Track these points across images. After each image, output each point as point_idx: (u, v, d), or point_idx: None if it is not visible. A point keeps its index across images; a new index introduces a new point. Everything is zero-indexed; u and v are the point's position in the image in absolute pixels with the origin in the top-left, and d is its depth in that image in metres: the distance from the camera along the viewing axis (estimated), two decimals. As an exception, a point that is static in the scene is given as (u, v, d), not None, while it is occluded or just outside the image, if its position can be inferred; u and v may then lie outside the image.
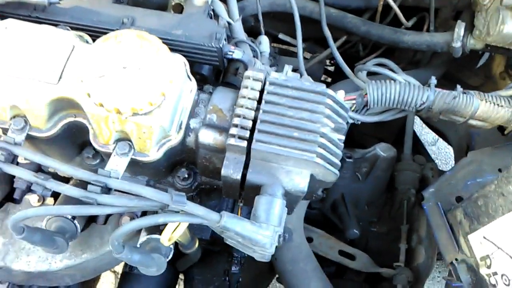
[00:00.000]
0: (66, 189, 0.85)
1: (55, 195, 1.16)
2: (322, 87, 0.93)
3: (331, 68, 2.20)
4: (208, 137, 0.92)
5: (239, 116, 0.88)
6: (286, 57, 1.80)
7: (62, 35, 0.92)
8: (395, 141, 1.83)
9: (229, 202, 1.31)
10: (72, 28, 1.00)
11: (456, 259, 1.13)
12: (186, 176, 1.03)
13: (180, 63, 0.90)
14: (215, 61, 1.04)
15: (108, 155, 0.92)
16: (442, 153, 2.89)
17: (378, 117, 1.14)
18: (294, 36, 1.85)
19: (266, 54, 1.20)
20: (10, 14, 1.02)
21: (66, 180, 1.07)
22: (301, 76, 1.00)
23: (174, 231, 0.88)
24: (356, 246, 1.54)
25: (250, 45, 1.15)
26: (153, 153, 0.92)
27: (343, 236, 1.53)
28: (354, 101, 1.12)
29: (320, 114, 0.89)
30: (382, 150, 1.49)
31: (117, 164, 0.90)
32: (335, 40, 1.46)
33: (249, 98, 0.89)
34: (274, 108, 0.88)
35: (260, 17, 1.27)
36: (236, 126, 0.87)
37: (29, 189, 1.13)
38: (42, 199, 1.12)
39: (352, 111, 1.13)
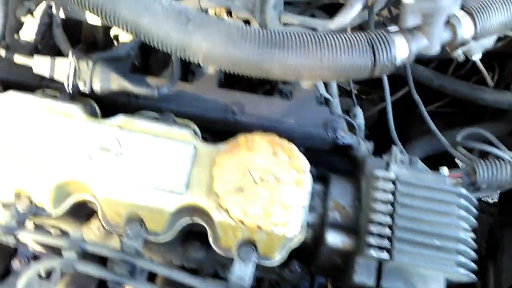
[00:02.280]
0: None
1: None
2: (449, 182, 0.90)
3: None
4: (336, 240, 0.88)
5: (374, 222, 0.84)
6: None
7: (181, 134, 0.87)
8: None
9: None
10: (177, 116, 0.95)
11: None
12: (299, 270, 0.99)
13: (307, 162, 0.86)
14: (325, 147, 1.00)
15: (229, 257, 0.88)
16: None
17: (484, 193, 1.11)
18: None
19: (362, 127, 1.16)
20: (113, 99, 0.97)
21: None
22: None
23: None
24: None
25: (347, 120, 1.11)
26: (277, 257, 0.88)
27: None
28: (459, 179, 1.08)
29: (456, 216, 0.85)
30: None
31: (242, 271, 0.86)
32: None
33: (382, 202, 0.85)
34: (410, 212, 0.85)
35: (352, 87, 1.23)
36: (372, 234, 0.83)
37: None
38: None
39: (456, 188, 1.10)
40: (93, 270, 0.82)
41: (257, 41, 0.79)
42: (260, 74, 0.83)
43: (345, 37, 0.83)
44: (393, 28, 0.88)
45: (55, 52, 1.11)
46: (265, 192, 0.78)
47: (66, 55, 1.05)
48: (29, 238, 0.92)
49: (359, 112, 1.18)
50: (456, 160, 1.61)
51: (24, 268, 1.10)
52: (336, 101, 1.11)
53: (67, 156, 0.84)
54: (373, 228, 0.83)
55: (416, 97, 1.27)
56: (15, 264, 1.07)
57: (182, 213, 0.86)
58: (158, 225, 0.86)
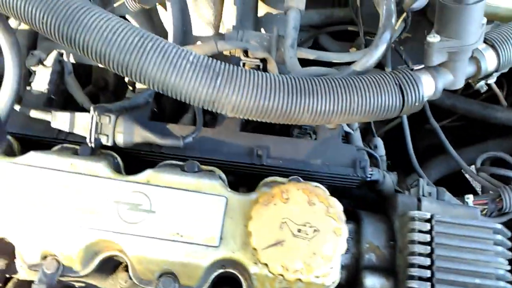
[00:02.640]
0: None
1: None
2: (481, 217, 0.89)
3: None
4: (374, 283, 0.86)
5: (414, 265, 0.82)
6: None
7: (210, 185, 0.86)
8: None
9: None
10: (202, 163, 0.93)
11: None
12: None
13: (341, 207, 0.84)
14: (353, 185, 0.99)
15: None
16: None
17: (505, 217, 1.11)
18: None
19: (384, 158, 1.15)
20: (136, 151, 0.94)
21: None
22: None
23: None
24: None
25: (369, 152, 1.09)
26: (317, 303, 0.87)
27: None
28: (485, 206, 1.08)
29: (493, 253, 0.84)
30: None
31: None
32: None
33: (420, 243, 0.84)
34: (448, 252, 0.83)
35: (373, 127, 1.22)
36: (413, 277, 0.82)
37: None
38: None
39: (482, 214, 1.09)
40: (130, 334, 0.80)
41: (286, 90, 0.78)
42: (289, 122, 0.82)
43: (373, 80, 0.82)
44: (417, 66, 0.88)
45: (66, 96, 1.09)
46: (305, 245, 0.77)
47: (79, 103, 1.04)
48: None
49: (379, 143, 1.18)
50: (470, 180, 1.61)
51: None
52: (357, 134, 1.10)
53: (95, 216, 0.82)
54: (414, 272, 0.82)
55: (435, 124, 1.26)
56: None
57: (216, 265, 0.84)
58: (191, 280, 0.84)
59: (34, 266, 0.86)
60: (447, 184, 1.09)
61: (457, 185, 1.61)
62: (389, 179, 1.05)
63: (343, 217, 0.80)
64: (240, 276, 0.86)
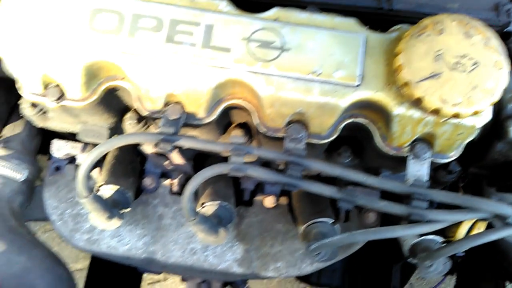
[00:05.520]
0: (386, 206, 0.75)
1: (287, 193, 1.06)
2: None
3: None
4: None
5: None
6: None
7: (345, 23, 0.78)
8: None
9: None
10: (322, 9, 0.84)
11: None
12: (458, 170, 0.92)
13: (499, 39, 0.75)
14: (492, 33, 0.89)
15: (398, 156, 0.81)
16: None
17: None
18: None
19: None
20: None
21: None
22: None
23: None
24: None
25: None
26: (454, 153, 0.81)
27: None
28: None
29: None
30: None
31: (418, 170, 0.79)
32: None
33: None
34: None
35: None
36: None
37: (256, 188, 1.03)
38: (276, 199, 1.03)
39: None
40: (265, 174, 0.76)
41: None
42: None
43: None
44: None
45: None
46: (464, 77, 0.70)
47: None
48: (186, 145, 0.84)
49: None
50: None
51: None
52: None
53: (224, 54, 0.76)
54: None
55: None
56: (147, 181, 1.03)
57: (350, 110, 0.79)
58: (322, 127, 0.79)
59: (156, 112, 0.82)
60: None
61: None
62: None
63: (504, 50, 0.72)
64: (373, 126, 0.81)
